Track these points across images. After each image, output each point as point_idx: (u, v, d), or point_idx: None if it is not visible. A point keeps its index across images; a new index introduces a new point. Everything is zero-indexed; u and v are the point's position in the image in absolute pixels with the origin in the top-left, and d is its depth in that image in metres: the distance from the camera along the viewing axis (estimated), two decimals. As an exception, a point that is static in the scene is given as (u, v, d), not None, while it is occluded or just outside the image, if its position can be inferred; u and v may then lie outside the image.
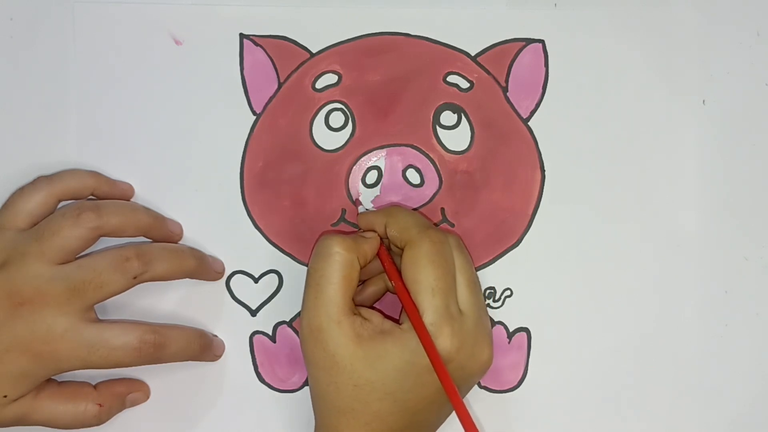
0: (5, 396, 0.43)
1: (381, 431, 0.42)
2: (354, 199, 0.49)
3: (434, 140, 0.49)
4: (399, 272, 0.44)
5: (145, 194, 0.48)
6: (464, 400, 0.44)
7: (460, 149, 0.49)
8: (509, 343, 0.49)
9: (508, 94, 0.49)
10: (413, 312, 0.42)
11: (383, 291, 0.48)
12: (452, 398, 0.41)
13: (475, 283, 0.45)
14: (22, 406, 0.43)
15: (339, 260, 0.43)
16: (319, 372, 0.42)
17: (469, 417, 0.40)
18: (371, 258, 0.45)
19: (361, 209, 0.48)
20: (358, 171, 0.49)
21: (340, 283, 0.42)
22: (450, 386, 0.41)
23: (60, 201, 0.46)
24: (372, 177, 0.49)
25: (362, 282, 0.47)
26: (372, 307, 0.46)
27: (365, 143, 0.49)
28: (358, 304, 0.44)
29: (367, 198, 0.49)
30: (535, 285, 0.49)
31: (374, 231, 0.46)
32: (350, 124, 0.49)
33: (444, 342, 0.42)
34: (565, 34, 0.49)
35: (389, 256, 0.45)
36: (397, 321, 0.44)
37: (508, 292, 0.49)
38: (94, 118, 0.48)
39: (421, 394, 0.42)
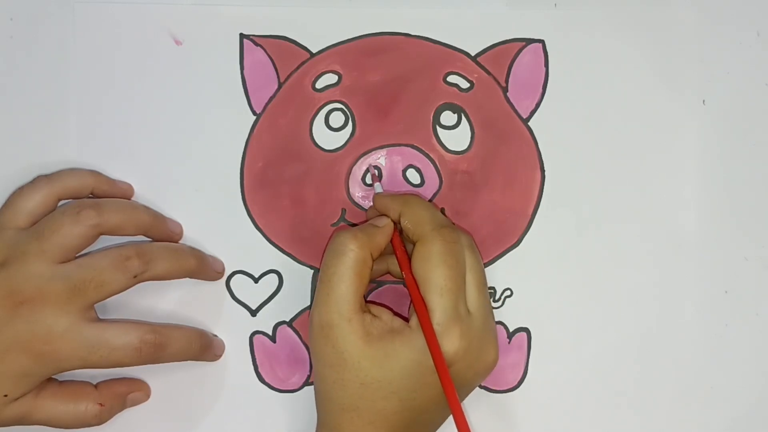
0: (6, 395, 0.43)
1: (384, 430, 0.42)
2: (370, 174, 0.48)
3: (434, 140, 0.49)
4: (410, 263, 0.44)
5: (145, 194, 0.48)
6: (464, 401, 0.45)
7: (460, 149, 0.49)
8: (509, 343, 0.49)
9: (508, 94, 0.49)
10: (422, 311, 0.42)
11: (383, 272, 0.47)
12: (450, 399, 0.41)
13: (484, 283, 0.45)
14: (23, 405, 0.43)
15: (352, 257, 0.42)
16: (326, 369, 0.42)
17: (464, 420, 0.40)
18: (384, 247, 0.44)
19: (377, 187, 0.47)
20: (358, 171, 0.49)
21: (352, 281, 0.42)
22: (449, 387, 0.41)
23: (60, 200, 0.46)
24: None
25: None
26: (381, 304, 0.46)
27: (365, 143, 0.49)
28: None
29: (367, 198, 0.49)
30: (535, 285, 0.49)
31: (387, 216, 0.45)
32: (350, 124, 0.49)
33: (453, 343, 0.42)
34: (565, 34, 0.49)
35: (402, 244, 0.45)
36: (405, 318, 0.44)
37: (508, 292, 0.49)
38: (94, 118, 0.48)
39: (426, 394, 0.42)
